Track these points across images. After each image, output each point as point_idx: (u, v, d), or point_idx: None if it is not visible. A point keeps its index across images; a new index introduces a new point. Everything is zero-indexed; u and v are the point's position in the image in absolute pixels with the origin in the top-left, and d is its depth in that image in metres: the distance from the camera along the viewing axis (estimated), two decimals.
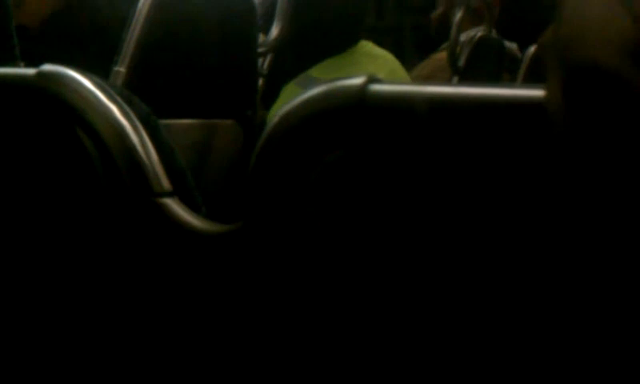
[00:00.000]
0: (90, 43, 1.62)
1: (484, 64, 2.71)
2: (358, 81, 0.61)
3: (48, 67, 0.77)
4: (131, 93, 0.83)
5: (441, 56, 2.72)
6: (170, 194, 0.73)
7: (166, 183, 0.73)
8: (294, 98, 0.65)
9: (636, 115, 0.41)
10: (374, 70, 1.81)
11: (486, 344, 0.61)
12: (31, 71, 0.77)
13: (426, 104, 0.60)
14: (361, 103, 0.61)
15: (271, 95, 1.91)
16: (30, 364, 0.80)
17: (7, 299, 0.81)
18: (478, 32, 2.74)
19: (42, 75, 0.76)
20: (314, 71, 1.83)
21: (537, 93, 0.55)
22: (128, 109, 0.75)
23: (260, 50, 1.95)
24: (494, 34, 2.84)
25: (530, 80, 2.53)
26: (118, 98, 0.75)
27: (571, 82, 0.42)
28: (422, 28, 3.15)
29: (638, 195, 0.42)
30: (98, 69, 0.86)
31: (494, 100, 0.60)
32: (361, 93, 0.61)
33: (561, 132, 0.43)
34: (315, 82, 1.76)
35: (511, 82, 2.64)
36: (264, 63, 2.16)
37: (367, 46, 1.90)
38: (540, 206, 0.57)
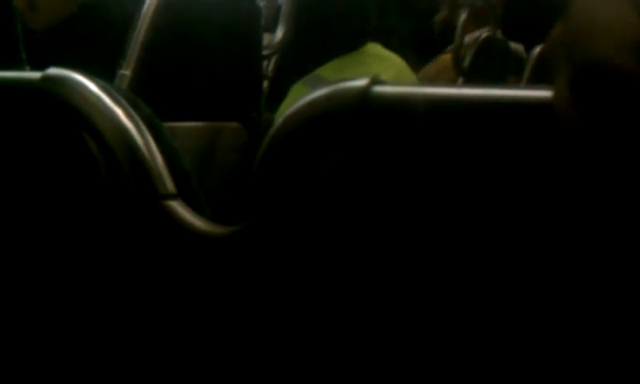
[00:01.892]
0: (99, 47, 1.63)
1: (489, 65, 2.71)
2: (361, 82, 0.61)
3: (53, 71, 0.77)
4: (136, 96, 0.83)
5: (446, 57, 2.72)
6: (174, 197, 0.73)
7: (170, 186, 0.73)
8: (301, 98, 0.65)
9: None
10: (381, 71, 1.81)
11: (487, 344, 0.61)
12: (36, 75, 0.77)
13: (430, 105, 0.60)
14: (364, 105, 0.61)
15: (276, 97, 1.91)
16: (33, 364, 0.80)
17: (14, 301, 0.81)
18: (482, 33, 2.74)
19: (47, 79, 0.77)
20: (322, 71, 1.83)
21: (541, 93, 0.55)
22: (133, 112, 0.75)
23: (265, 52, 1.95)
24: (498, 34, 2.84)
25: (535, 81, 2.52)
26: (123, 101, 0.76)
27: (579, 79, 0.42)
28: (423, 30, 3.15)
29: None
30: (107, 72, 0.87)
31: (497, 101, 0.60)
32: (364, 94, 0.61)
33: (568, 131, 0.43)
34: (322, 82, 1.76)
35: (516, 82, 2.64)
36: (269, 65, 2.17)
37: (375, 48, 1.90)
38: (546, 207, 0.57)
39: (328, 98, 0.63)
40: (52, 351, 0.80)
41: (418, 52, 2.92)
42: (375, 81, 0.61)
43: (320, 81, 1.78)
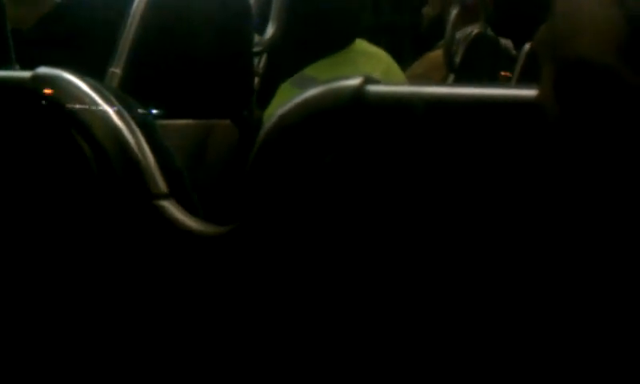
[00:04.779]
0: (83, 44, 1.62)
1: (479, 62, 2.71)
2: (354, 82, 0.61)
3: (43, 70, 0.76)
4: (127, 94, 0.83)
5: (435, 54, 2.73)
6: (166, 196, 0.73)
7: (162, 185, 0.73)
8: (289, 97, 0.65)
9: (626, 110, 0.41)
10: (369, 69, 1.81)
11: (485, 343, 0.61)
12: (27, 74, 0.77)
13: (423, 104, 0.60)
14: (358, 104, 0.61)
15: (267, 95, 1.91)
16: (26, 366, 0.80)
17: (6, 301, 0.81)
18: (473, 30, 2.74)
19: (37, 78, 0.76)
20: (310, 70, 1.83)
21: (532, 92, 0.55)
22: (124, 110, 0.75)
23: (255, 49, 1.94)
24: (489, 31, 2.84)
25: (526, 77, 2.53)
26: (114, 100, 0.75)
27: (563, 77, 0.43)
28: (418, 27, 3.15)
29: (628, 187, 0.43)
30: (94, 70, 0.86)
31: (490, 100, 0.60)
32: (357, 94, 0.61)
33: (553, 126, 0.44)
34: (311, 81, 1.76)
35: (507, 79, 2.64)
36: (259, 63, 2.16)
37: (362, 45, 1.90)
38: (536, 204, 0.57)
39: (322, 97, 0.63)
40: (44, 351, 0.79)
41: (412, 48, 2.92)
42: (369, 80, 0.61)
43: (309, 80, 1.78)
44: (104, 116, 0.74)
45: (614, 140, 0.42)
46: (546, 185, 0.55)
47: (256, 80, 2.07)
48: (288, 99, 0.65)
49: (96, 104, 0.74)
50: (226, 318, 0.71)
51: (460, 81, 2.53)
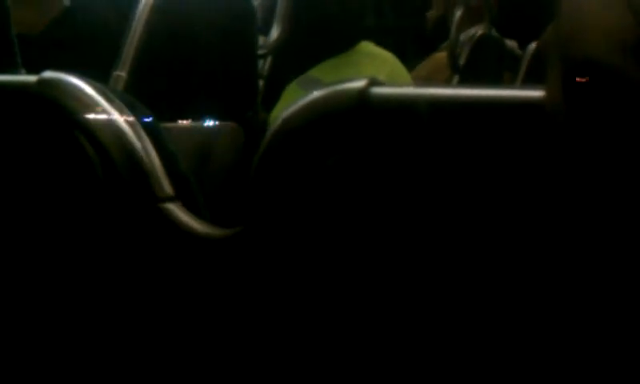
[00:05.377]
0: (91, 47, 1.63)
1: (484, 63, 2.71)
2: (359, 84, 0.61)
3: (49, 74, 0.77)
4: (132, 97, 0.83)
5: (440, 56, 2.72)
6: (172, 199, 0.73)
7: (168, 188, 0.73)
8: (295, 99, 0.65)
9: (632, 110, 0.41)
10: (374, 70, 1.81)
11: (486, 343, 0.61)
12: (32, 78, 0.77)
13: (427, 106, 0.60)
14: (362, 106, 0.61)
15: (272, 97, 1.91)
16: (28, 366, 0.80)
17: (10, 303, 0.81)
18: (477, 31, 2.74)
19: (42, 82, 0.76)
20: (315, 72, 1.83)
21: (538, 93, 0.55)
22: (130, 114, 0.75)
23: (260, 52, 1.95)
24: (493, 32, 2.84)
25: (531, 78, 2.52)
26: (120, 103, 0.75)
27: (570, 76, 0.43)
28: (422, 28, 3.15)
29: (634, 187, 0.43)
30: (99, 73, 0.87)
31: (495, 101, 0.60)
32: (362, 95, 0.61)
33: (560, 126, 0.44)
34: (316, 82, 1.76)
35: (512, 80, 2.64)
36: (264, 65, 2.16)
37: (367, 47, 1.90)
38: (543, 205, 0.57)
39: (326, 99, 0.63)
40: (49, 354, 0.80)
41: (415, 49, 2.92)
42: (373, 82, 0.61)
43: (314, 81, 1.78)
44: (109, 119, 0.74)
45: (621, 140, 0.42)
46: (552, 186, 0.55)
47: (261, 82, 2.07)
48: (294, 101, 0.65)
49: (101, 107, 0.75)
50: (232, 321, 0.71)
51: (465, 82, 2.53)
